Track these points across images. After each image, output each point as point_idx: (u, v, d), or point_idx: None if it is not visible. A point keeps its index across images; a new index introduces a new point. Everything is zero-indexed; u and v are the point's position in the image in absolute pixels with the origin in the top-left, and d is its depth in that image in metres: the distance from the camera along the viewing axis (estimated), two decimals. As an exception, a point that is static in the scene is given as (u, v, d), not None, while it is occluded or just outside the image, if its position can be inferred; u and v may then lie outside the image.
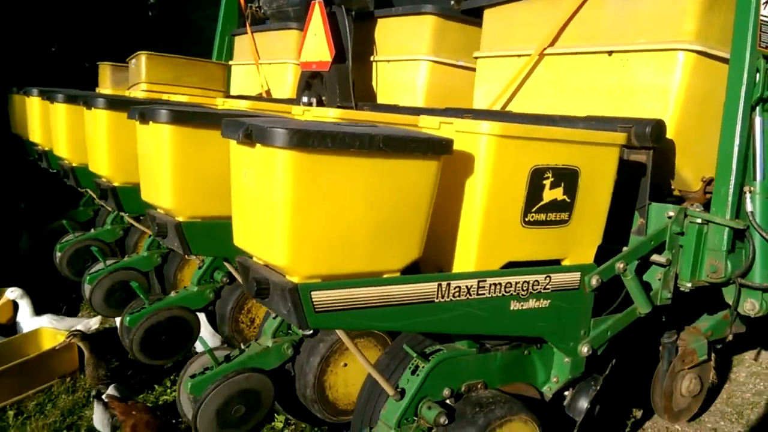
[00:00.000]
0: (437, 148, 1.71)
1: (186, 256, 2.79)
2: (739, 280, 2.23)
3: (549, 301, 2.04)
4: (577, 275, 2.09)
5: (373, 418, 2.12)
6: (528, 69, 2.90)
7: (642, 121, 2.26)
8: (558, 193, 1.98)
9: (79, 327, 3.75)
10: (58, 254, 4.17)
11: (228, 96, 4.78)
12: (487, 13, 3.17)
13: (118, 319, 3.56)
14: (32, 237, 4.99)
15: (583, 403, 2.21)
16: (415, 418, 1.97)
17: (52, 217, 4.86)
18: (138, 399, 3.08)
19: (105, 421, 2.71)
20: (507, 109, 3.02)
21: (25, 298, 3.86)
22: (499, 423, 1.94)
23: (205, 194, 2.47)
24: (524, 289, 1.97)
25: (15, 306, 3.91)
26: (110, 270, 3.57)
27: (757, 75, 2.20)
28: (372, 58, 3.85)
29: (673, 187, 2.63)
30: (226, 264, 3.03)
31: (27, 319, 3.84)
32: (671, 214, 2.27)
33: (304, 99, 3.84)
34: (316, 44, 3.75)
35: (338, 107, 3.62)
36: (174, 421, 2.93)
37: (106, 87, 4.98)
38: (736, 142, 2.19)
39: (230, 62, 5.45)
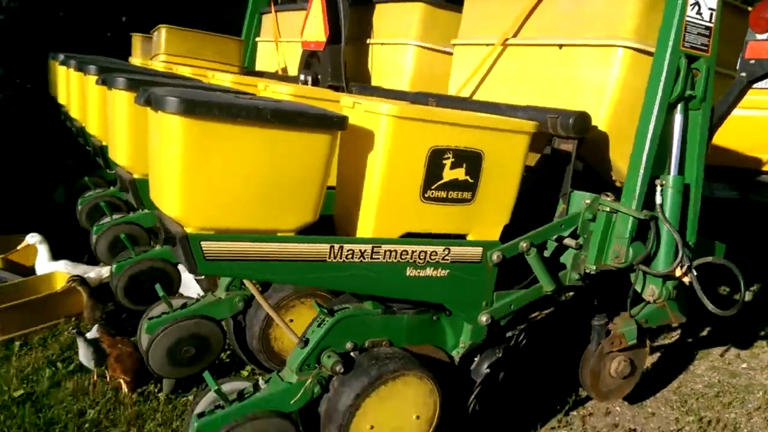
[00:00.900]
0: (328, 123, 1.90)
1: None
2: (641, 266, 2.33)
3: (448, 271, 2.21)
4: (479, 250, 2.25)
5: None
6: (493, 58, 3.03)
7: (567, 113, 2.38)
8: (459, 173, 2.14)
9: (91, 274, 4.12)
10: (79, 207, 4.56)
11: (245, 72, 5.07)
12: (467, 2, 3.30)
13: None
14: (68, 190, 5.43)
15: (484, 368, 2.37)
16: (317, 365, 2.18)
17: (86, 173, 5.26)
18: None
19: (89, 355, 3.05)
20: (475, 96, 3.16)
21: (44, 244, 4.23)
22: (393, 376, 2.12)
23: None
24: (421, 257, 2.15)
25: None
26: (115, 223, 3.92)
27: (679, 73, 2.27)
28: (368, 41, 4.04)
29: (613, 178, 2.74)
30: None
31: (44, 263, 4.23)
32: (587, 201, 2.39)
33: (301, 77, 4.08)
34: (314, 25, 3.97)
35: (329, 86, 3.84)
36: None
37: (137, 56, 5.36)
38: (649, 136, 2.27)
39: (257, 39, 5.75)
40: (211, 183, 1.81)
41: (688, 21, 2.25)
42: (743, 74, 2.37)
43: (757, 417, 3.05)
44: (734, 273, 2.29)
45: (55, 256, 4.22)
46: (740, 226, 4.81)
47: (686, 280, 2.30)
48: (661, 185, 2.32)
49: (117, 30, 12.22)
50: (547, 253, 2.51)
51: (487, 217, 2.26)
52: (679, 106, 2.32)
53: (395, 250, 2.10)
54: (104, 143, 3.69)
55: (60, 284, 4.01)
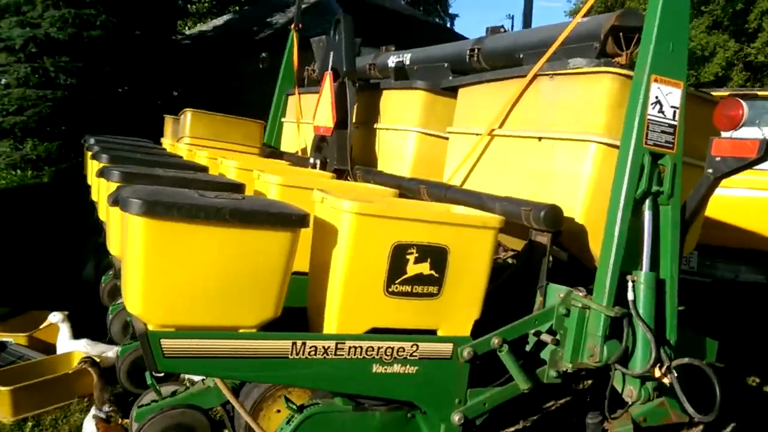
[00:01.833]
0: (287, 221, 1.96)
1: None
2: (617, 366, 2.26)
3: (417, 368, 2.19)
4: (449, 346, 2.23)
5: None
6: (482, 147, 3.08)
7: (539, 206, 2.39)
8: (424, 268, 2.16)
9: (110, 353, 4.23)
10: (102, 285, 4.73)
11: (267, 153, 5.26)
12: (460, 92, 3.40)
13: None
14: (96, 268, 5.64)
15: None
16: (287, 464, 2.17)
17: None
18: (125, 422, 3.47)
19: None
20: (466, 182, 3.20)
21: (66, 323, 4.38)
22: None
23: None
24: (388, 354, 2.15)
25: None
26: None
27: (644, 170, 2.27)
28: (374, 126, 4.16)
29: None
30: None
31: (66, 342, 4.37)
32: (561, 295, 2.35)
33: (311, 160, 4.21)
34: (324, 110, 4.12)
35: (335, 170, 3.95)
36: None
37: (167, 137, 5.64)
38: (616, 231, 2.25)
39: (282, 119, 5.98)
40: (171, 281, 1.88)
41: (650, 119, 2.26)
42: (710, 170, 2.34)
43: None
44: (710, 378, 2.19)
45: (81, 333, 4.35)
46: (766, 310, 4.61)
47: (666, 381, 2.22)
48: (633, 281, 2.28)
49: (169, 104, 12.96)
50: (528, 348, 2.47)
51: (456, 311, 2.25)
52: (647, 202, 2.30)
53: (360, 346, 2.11)
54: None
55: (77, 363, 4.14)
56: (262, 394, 2.78)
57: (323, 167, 4.15)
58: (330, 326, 2.13)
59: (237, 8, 23.18)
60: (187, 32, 19.46)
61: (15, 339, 4.41)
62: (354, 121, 4.05)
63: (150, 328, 1.90)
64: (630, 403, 2.35)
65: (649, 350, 2.23)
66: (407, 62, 4.20)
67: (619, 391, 2.35)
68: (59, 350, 4.31)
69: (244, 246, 1.94)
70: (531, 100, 2.80)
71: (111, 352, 4.20)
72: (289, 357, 2.03)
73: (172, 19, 15.88)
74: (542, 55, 2.73)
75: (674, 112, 2.25)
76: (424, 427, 2.37)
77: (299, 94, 5.49)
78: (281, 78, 6.23)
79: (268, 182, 2.81)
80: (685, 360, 2.24)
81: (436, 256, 2.17)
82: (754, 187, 4.48)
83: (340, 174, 3.96)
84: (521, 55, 3.06)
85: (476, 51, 3.46)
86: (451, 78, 3.72)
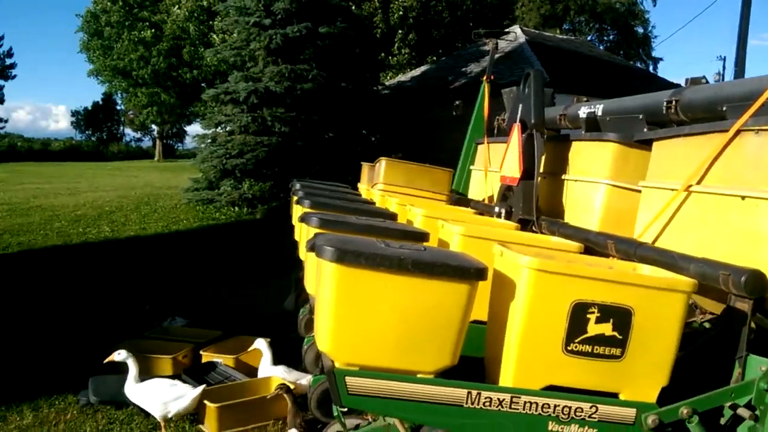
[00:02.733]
0: (465, 274, 2.04)
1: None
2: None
3: (595, 430, 2.12)
4: (632, 411, 2.13)
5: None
6: (677, 203, 2.92)
7: (739, 270, 2.22)
8: (606, 329, 2.10)
9: (303, 381, 4.59)
10: (300, 317, 5.14)
11: (454, 200, 5.41)
12: (655, 145, 3.26)
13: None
14: (296, 299, 6.15)
15: None
16: None
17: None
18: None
19: None
20: (659, 239, 3.05)
21: (268, 349, 4.83)
22: None
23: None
24: (564, 413, 2.11)
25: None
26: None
27: None
28: (562, 177, 4.11)
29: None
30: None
31: (266, 367, 4.79)
32: (763, 368, 2.14)
33: (496, 209, 4.27)
34: (511, 161, 4.18)
35: (519, 219, 3.97)
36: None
37: (363, 183, 6.04)
38: (834, 303, 2.01)
39: (471, 167, 6.12)
40: (357, 323, 2.05)
41: None
42: None
43: None
44: None
45: (280, 360, 4.76)
46: None
47: None
48: None
49: (367, 150, 13.83)
50: (723, 421, 2.27)
51: (640, 376, 2.15)
52: None
53: (536, 402, 2.10)
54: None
55: (275, 387, 4.53)
56: (438, 435, 2.85)
57: (508, 216, 4.18)
58: (506, 380, 2.16)
59: (434, 58, 24.16)
60: (387, 83, 20.66)
61: (224, 360, 4.94)
62: (542, 170, 4.05)
63: (337, 365, 2.07)
64: None
65: None
66: (599, 113, 4.12)
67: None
68: (260, 374, 4.73)
69: (424, 295, 2.05)
70: (734, 156, 2.62)
71: (304, 380, 4.53)
72: (464, 406, 2.08)
73: (375, 71, 17.01)
74: (747, 108, 2.55)
75: None
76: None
77: (488, 143, 5.60)
78: (472, 126, 6.41)
79: (452, 232, 2.92)
80: None
81: (620, 317, 2.10)
82: None
83: (525, 224, 3.96)
84: (724, 108, 2.88)
85: (674, 103, 3.31)
86: (645, 130, 3.59)
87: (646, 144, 3.46)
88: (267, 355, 4.79)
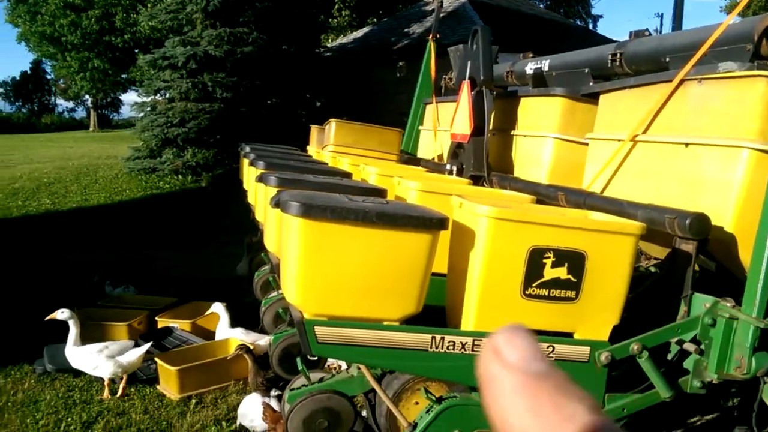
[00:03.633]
0: (428, 224, 2.10)
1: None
2: (766, 378, 2.16)
3: (552, 369, 2.23)
4: (586, 349, 2.26)
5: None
6: (623, 153, 3.05)
7: (685, 214, 2.35)
8: (561, 272, 2.21)
9: (261, 342, 4.62)
10: (255, 280, 5.14)
11: (404, 159, 5.46)
12: (601, 98, 3.37)
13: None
14: (250, 264, 6.13)
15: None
16: (424, 449, 2.30)
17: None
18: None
19: (253, 412, 3.46)
20: (606, 189, 3.18)
21: (225, 312, 4.83)
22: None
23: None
24: (523, 354, 2.21)
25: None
26: (279, 297, 4.39)
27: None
28: (511, 132, 4.21)
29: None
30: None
31: (224, 330, 4.81)
32: (707, 305, 2.30)
33: (447, 166, 4.34)
34: (462, 119, 4.24)
35: (471, 176, 4.05)
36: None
37: (313, 145, 6.02)
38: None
39: (420, 127, 6.17)
40: (324, 275, 2.08)
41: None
42: None
43: None
44: None
45: (236, 323, 4.78)
46: None
47: (821, 395, 2.10)
48: (786, 291, 2.17)
49: (312, 114, 13.72)
50: (670, 356, 2.43)
51: (594, 316, 2.27)
52: (803, 209, 2.19)
53: (496, 344, 2.19)
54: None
55: (233, 349, 4.55)
56: (402, 385, 2.93)
57: (459, 173, 4.26)
58: (467, 325, 2.24)
59: (375, 20, 23.94)
60: (330, 45, 20.39)
61: (180, 325, 4.92)
62: (491, 128, 4.13)
63: (306, 316, 2.11)
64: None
65: (802, 364, 2.12)
66: (546, 69, 4.21)
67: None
68: (218, 336, 4.75)
69: (389, 246, 2.10)
70: (677, 106, 2.74)
71: (263, 340, 4.58)
72: (429, 350, 2.16)
73: (316, 33, 16.74)
74: (690, 58, 2.67)
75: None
76: (558, 429, 2.41)
77: (436, 102, 5.64)
78: (419, 87, 6.42)
79: (409, 188, 2.96)
80: None
81: (574, 261, 2.20)
82: None
83: (476, 180, 4.05)
84: (667, 59, 3.00)
85: (618, 55, 3.42)
86: (591, 84, 3.70)
87: (592, 98, 3.57)
88: (224, 318, 4.80)
